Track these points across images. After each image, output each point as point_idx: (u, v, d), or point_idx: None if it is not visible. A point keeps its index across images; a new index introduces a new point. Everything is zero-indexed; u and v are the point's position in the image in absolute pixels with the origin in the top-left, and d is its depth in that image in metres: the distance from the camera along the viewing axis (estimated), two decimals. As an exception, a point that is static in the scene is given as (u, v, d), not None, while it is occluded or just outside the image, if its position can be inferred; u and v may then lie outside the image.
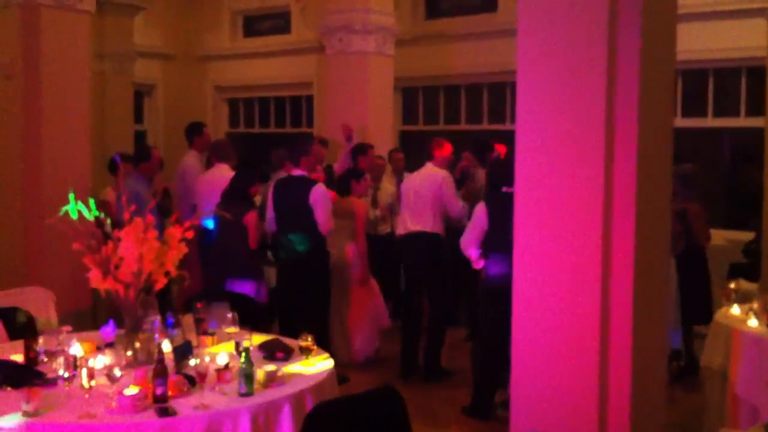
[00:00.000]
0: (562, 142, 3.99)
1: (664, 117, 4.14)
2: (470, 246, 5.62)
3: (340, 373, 4.17)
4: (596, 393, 3.88)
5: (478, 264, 5.63)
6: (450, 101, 10.75)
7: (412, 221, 6.59)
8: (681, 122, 8.22)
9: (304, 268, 6.20)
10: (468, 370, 6.18)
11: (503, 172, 5.40)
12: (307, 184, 6.27)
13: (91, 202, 3.85)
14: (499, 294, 4.97)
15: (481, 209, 5.58)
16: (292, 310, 6.31)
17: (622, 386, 3.85)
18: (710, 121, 8.71)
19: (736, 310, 5.06)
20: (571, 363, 3.97)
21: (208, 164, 7.54)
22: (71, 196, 3.79)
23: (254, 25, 12.50)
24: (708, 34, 8.13)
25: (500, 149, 7.66)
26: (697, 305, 6.49)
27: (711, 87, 8.61)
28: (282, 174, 7.00)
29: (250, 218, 6.07)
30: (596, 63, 3.88)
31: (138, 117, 11.87)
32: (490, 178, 6.02)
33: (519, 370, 4.22)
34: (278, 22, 12.10)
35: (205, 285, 6.14)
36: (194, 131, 7.78)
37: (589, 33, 3.90)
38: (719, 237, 7.77)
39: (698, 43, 7.73)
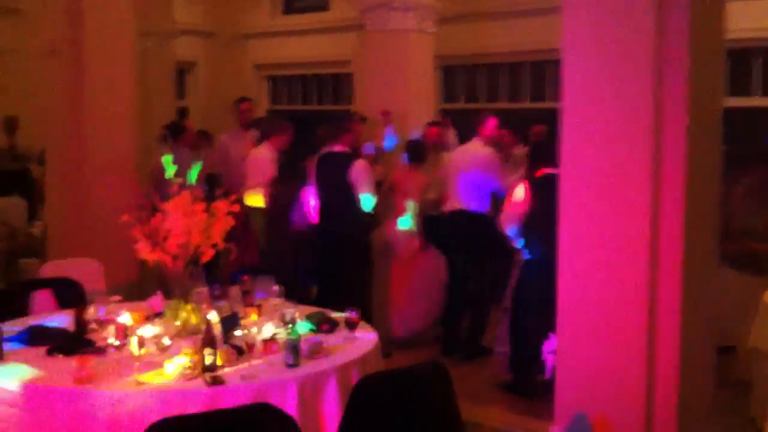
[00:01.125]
0: (609, 123, 3.95)
1: (713, 96, 4.08)
2: (510, 224, 5.59)
3: (383, 348, 4.19)
4: (644, 373, 3.86)
5: (516, 242, 5.61)
6: (491, 79, 10.69)
7: (458, 199, 6.57)
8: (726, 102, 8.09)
9: (347, 242, 6.24)
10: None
11: (546, 152, 5.36)
12: (348, 159, 6.30)
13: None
14: (539, 273, 4.96)
15: (522, 188, 5.54)
16: (333, 284, 6.37)
17: (669, 366, 3.82)
18: (758, 101, 8.57)
19: (784, 291, 4.99)
20: (617, 344, 3.95)
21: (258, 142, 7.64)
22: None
23: (293, 2, 12.50)
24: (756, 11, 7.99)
25: (539, 130, 7.62)
26: None
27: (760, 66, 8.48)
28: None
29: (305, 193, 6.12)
30: (643, 41, 3.82)
31: (180, 93, 11.99)
32: (533, 157, 5.98)
33: (564, 351, 4.20)
34: (317, 0, 12.10)
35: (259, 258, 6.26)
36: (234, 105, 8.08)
37: (635, 10, 3.85)
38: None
39: (745, 21, 7.59)
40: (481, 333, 6.60)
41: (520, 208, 5.51)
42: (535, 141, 6.57)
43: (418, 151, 6.92)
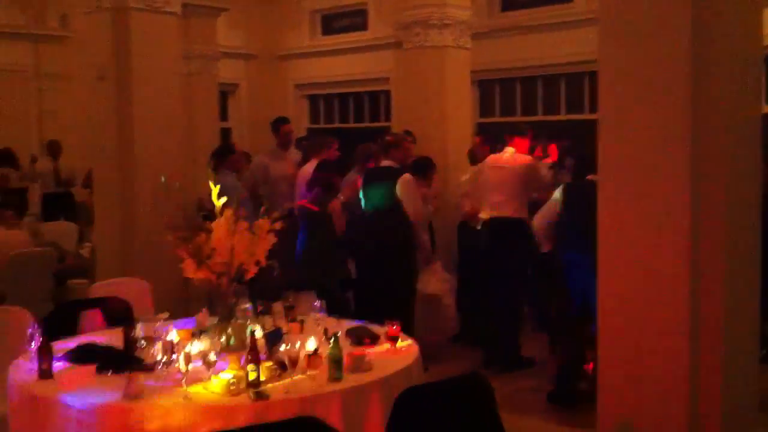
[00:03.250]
0: (647, 132, 3.96)
1: (752, 104, 4.07)
2: (542, 229, 5.61)
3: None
4: (687, 381, 3.83)
5: (546, 247, 5.64)
6: (527, 92, 10.72)
7: (496, 206, 6.58)
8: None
9: (393, 255, 6.32)
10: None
11: (587, 161, 5.38)
12: (394, 174, 6.37)
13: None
14: (576, 282, 4.96)
15: (560, 191, 5.56)
16: (375, 298, 6.42)
17: (713, 374, 3.80)
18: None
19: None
20: (659, 351, 3.94)
21: (304, 160, 7.74)
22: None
23: (332, 23, 12.68)
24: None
25: (553, 149, 7.62)
26: None
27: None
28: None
29: (334, 205, 6.20)
30: (681, 51, 3.83)
31: (223, 115, 12.19)
32: (575, 166, 6.00)
33: (606, 360, 4.20)
34: (355, 20, 12.26)
35: (296, 275, 6.30)
36: (273, 127, 8.13)
37: (672, 19, 3.86)
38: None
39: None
40: (515, 342, 6.60)
41: (554, 208, 5.51)
42: (576, 153, 6.56)
43: (419, 167, 6.99)
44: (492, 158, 6.82)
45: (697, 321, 3.84)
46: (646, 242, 3.97)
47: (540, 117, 10.54)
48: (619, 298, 4.09)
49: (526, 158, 6.65)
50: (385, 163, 6.55)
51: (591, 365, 5.39)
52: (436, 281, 6.93)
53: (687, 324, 3.83)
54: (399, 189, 6.31)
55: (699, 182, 3.83)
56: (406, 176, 6.39)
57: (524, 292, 6.82)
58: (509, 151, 6.66)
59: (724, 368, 3.79)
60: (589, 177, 5.29)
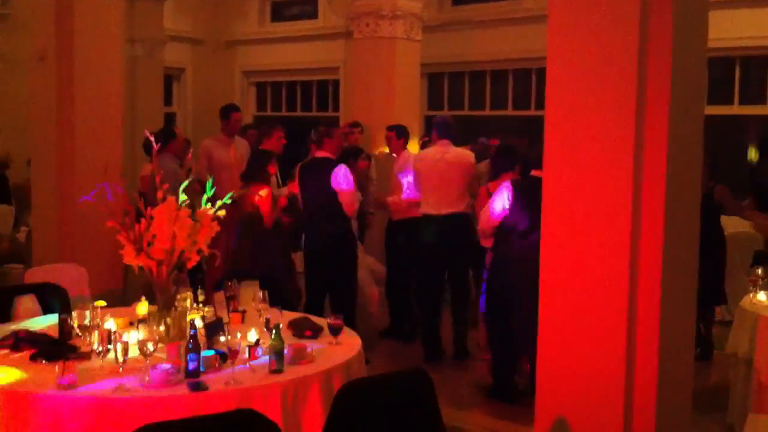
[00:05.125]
0: (592, 130, 3.99)
1: (695, 105, 4.13)
2: (491, 226, 5.61)
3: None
4: (623, 378, 3.88)
5: (488, 243, 5.67)
6: (475, 87, 10.78)
7: (440, 203, 6.59)
8: (708, 110, 8.21)
9: (333, 250, 6.29)
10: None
11: (531, 157, 5.42)
12: (329, 165, 6.33)
13: None
14: (522, 277, 4.99)
15: (505, 191, 5.54)
16: (319, 291, 6.41)
17: (648, 371, 3.86)
18: (736, 109, 8.68)
19: (762, 296, 5.05)
20: (597, 349, 3.98)
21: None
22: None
23: (282, 10, 12.58)
24: (738, 21, 8.11)
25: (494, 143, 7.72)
26: (713, 286, 6.43)
27: (737, 75, 8.60)
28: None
29: (261, 197, 5.97)
30: (627, 49, 3.86)
31: (167, 100, 12.00)
32: (501, 161, 6.08)
33: (544, 355, 4.23)
34: (306, 8, 12.18)
35: (235, 266, 6.21)
36: (223, 113, 7.93)
37: (620, 19, 3.89)
38: (745, 224, 7.76)
39: (726, 31, 7.69)
40: (465, 335, 6.67)
41: (502, 213, 5.51)
42: (498, 147, 6.65)
43: (345, 156, 6.95)
44: (428, 153, 6.79)
45: (634, 319, 3.89)
46: (587, 240, 4.02)
47: (488, 112, 10.62)
48: (559, 296, 4.13)
49: (470, 154, 6.71)
50: (320, 154, 6.48)
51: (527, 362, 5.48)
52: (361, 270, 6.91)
53: (624, 321, 3.89)
54: (334, 179, 6.24)
55: (640, 182, 3.88)
56: (341, 168, 6.32)
57: (469, 288, 6.91)
58: (444, 145, 6.64)
59: (660, 365, 3.86)
60: (534, 173, 5.33)
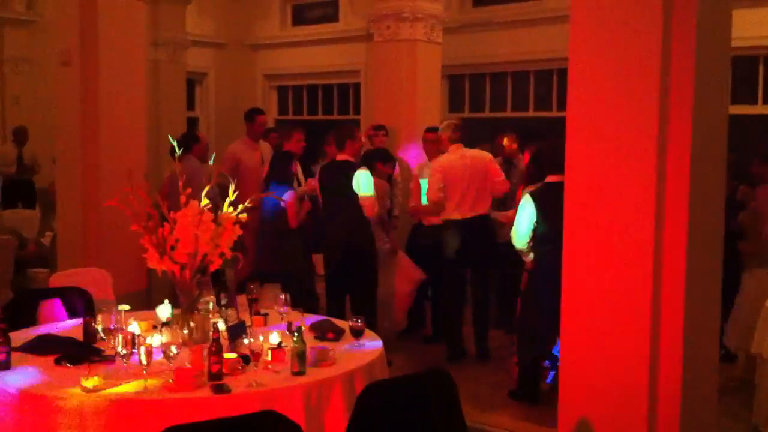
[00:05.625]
0: (615, 130, 3.97)
1: (719, 104, 4.09)
2: (524, 239, 5.52)
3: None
4: (647, 380, 3.86)
5: (527, 256, 5.59)
6: (496, 88, 10.76)
7: (462, 206, 6.57)
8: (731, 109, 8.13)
9: (352, 252, 6.30)
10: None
11: (549, 161, 5.38)
12: (350, 168, 6.33)
13: None
14: (545, 280, 4.97)
15: (527, 207, 5.46)
16: (339, 293, 6.42)
17: (672, 372, 3.83)
18: (760, 109, 8.60)
19: (787, 298, 5.00)
20: (620, 350, 3.96)
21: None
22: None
23: (303, 13, 12.60)
24: (762, 20, 8.03)
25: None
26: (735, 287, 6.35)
27: (761, 74, 8.52)
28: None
29: (288, 198, 6.06)
30: (651, 49, 3.84)
31: (190, 104, 12.08)
32: (535, 166, 5.95)
33: (568, 357, 4.22)
34: (327, 11, 12.18)
35: (257, 267, 6.24)
36: (248, 117, 7.96)
37: (643, 18, 3.87)
38: None
39: (750, 30, 7.62)
40: (486, 336, 6.66)
41: (529, 221, 5.44)
42: (537, 149, 6.56)
43: (367, 159, 6.95)
44: (446, 158, 6.73)
45: (658, 320, 3.87)
46: (609, 243, 3.99)
47: (509, 113, 10.58)
48: (582, 298, 4.10)
49: (487, 154, 6.70)
50: (341, 157, 6.49)
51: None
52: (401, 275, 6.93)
53: (648, 323, 3.86)
54: (354, 183, 6.25)
55: (664, 183, 3.85)
56: (362, 170, 6.33)
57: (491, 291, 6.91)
58: (461, 147, 6.63)
59: (684, 366, 3.83)
60: (550, 178, 5.31)
